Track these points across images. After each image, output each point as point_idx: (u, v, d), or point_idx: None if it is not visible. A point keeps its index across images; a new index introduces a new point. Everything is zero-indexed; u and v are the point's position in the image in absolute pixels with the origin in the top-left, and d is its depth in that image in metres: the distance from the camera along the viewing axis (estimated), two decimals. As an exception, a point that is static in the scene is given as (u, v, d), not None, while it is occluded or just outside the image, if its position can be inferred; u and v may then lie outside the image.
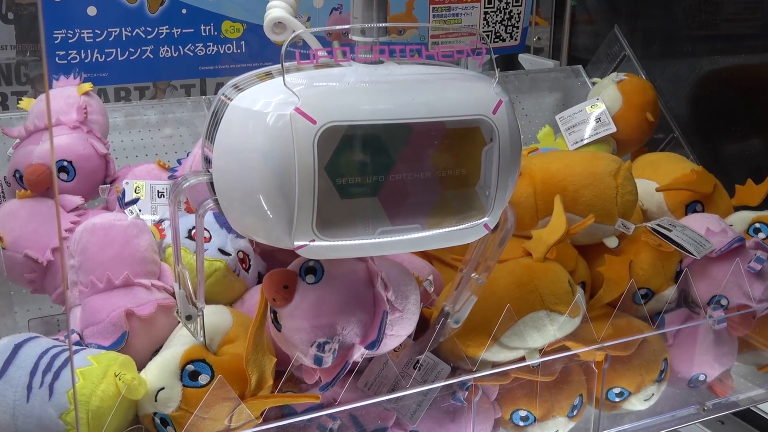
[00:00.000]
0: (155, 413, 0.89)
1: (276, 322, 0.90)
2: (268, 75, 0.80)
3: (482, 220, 0.88)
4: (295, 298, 0.88)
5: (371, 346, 0.88)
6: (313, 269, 0.93)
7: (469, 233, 0.89)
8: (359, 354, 0.89)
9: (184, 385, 0.90)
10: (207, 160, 0.83)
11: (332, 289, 0.89)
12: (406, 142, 0.83)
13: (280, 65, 0.76)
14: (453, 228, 0.88)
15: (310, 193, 0.75)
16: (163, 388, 0.89)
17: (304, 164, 0.74)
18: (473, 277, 0.98)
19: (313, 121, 0.73)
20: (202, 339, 0.94)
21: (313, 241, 0.79)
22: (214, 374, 0.90)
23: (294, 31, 0.92)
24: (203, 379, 0.90)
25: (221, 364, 0.92)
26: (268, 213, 0.76)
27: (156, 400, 0.89)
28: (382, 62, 0.83)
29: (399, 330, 0.93)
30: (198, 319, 0.92)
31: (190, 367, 0.90)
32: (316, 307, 0.88)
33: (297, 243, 0.78)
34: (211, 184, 0.82)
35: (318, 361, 0.88)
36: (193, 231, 1.03)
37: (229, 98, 0.78)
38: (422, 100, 0.80)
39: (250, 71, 0.84)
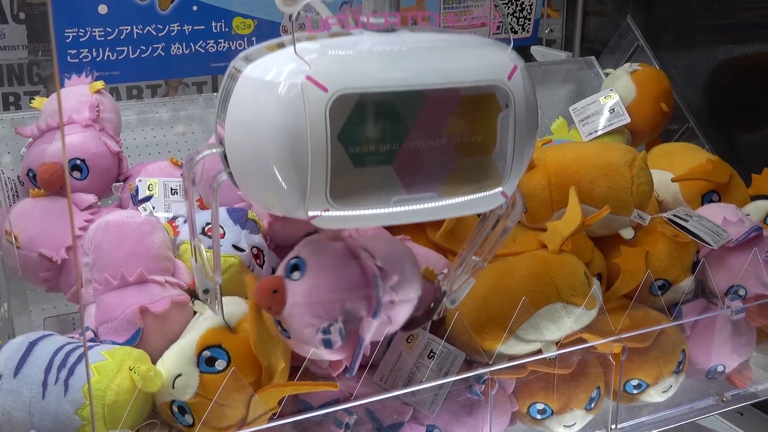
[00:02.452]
0: (173, 401, 0.90)
1: (283, 330, 0.90)
2: (280, 45, 0.80)
3: (498, 188, 0.88)
4: (288, 299, 0.88)
5: (375, 313, 0.88)
6: (297, 266, 0.93)
7: (486, 202, 0.89)
8: (370, 327, 0.89)
9: (201, 372, 0.90)
10: (220, 134, 0.83)
11: (318, 275, 0.89)
12: (420, 110, 0.83)
13: (291, 34, 0.76)
14: (469, 197, 0.87)
15: (323, 162, 0.75)
16: (180, 375, 0.89)
17: (316, 133, 0.73)
18: (473, 260, 0.98)
19: (325, 89, 0.73)
20: (220, 314, 0.94)
21: (327, 210, 0.79)
22: (231, 359, 0.91)
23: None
24: (220, 364, 0.90)
25: (238, 349, 0.92)
26: (282, 183, 0.76)
27: (173, 387, 0.89)
28: (394, 30, 0.81)
29: (406, 294, 0.92)
30: (215, 292, 0.92)
31: (207, 353, 0.91)
32: (308, 298, 0.87)
33: (311, 213, 0.78)
34: (225, 156, 0.82)
35: (328, 343, 0.88)
36: (207, 227, 1.04)
37: (239, 70, 0.78)
38: (436, 66, 0.79)
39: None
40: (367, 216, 0.83)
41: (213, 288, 0.92)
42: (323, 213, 0.79)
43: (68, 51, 1.30)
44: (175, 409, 0.90)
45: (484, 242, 0.99)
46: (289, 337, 0.90)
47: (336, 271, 0.90)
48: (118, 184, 1.18)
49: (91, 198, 1.13)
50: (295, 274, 0.91)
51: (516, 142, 0.85)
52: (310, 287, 0.89)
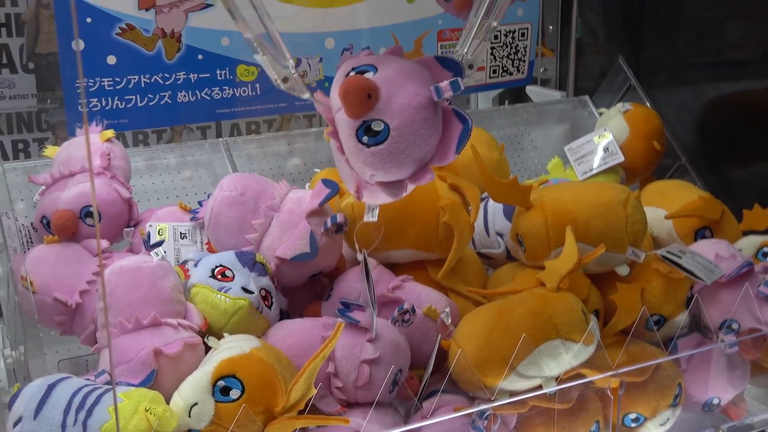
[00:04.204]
0: (189, 430, 0.91)
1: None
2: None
3: None
4: None
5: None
6: (375, 131, 0.97)
7: None
8: None
9: (216, 401, 0.91)
10: None
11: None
12: None
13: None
14: None
15: None
16: (196, 404, 0.90)
17: None
18: (487, 22, 1.04)
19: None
20: (308, 94, 1.01)
21: None
22: (245, 388, 0.91)
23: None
24: (234, 393, 0.91)
25: (251, 378, 0.92)
26: None
27: (189, 416, 0.90)
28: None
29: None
30: (294, 76, 0.98)
31: (221, 382, 0.91)
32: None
33: None
34: None
35: None
36: (216, 269, 1.07)
37: None
38: None
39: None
40: None
41: (290, 73, 0.98)
42: None
43: (77, 103, 1.32)
44: None
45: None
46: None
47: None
48: (129, 229, 1.19)
49: (103, 243, 1.14)
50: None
51: None
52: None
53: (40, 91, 1.48)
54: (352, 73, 0.99)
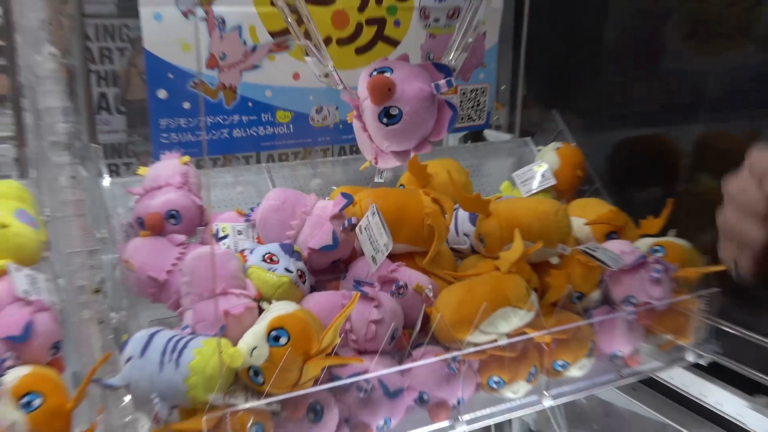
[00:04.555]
0: (250, 366, 0.93)
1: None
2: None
3: None
4: None
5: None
6: (392, 115, 1.04)
7: None
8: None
9: (270, 345, 0.93)
10: None
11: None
12: None
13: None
14: None
15: None
16: (256, 347, 0.93)
17: None
18: (463, 42, 1.12)
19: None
20: (338, 83, 1.07)
21: None
22: (291, 337, 0.94)
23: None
24: (282, 340, 0.93)
25: (295, 330, 0.95)
26: None
27: (251, 356, 0.93)
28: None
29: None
30: (333, 72, 1.06)
31: (274, 332, 0.94)
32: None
33: None
34: None
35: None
36: (266, 255, 1.09)
37: None
38: None
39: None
40: None
41: (330, 71, 1.04)
42: None
43: (161, 135, 1.34)
44: (251, 372, 0.93)
45: (466, 30, 1.11)
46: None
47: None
48: (200, 228, 1.21)
49: (182, 237, 1.16)
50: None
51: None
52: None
53: (128, 128, 1.50)
54: (374, 73, 1.06)
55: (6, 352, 0.92)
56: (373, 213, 1.12)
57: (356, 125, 1.11)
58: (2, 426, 0.84)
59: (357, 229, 1.15)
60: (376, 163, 1.12)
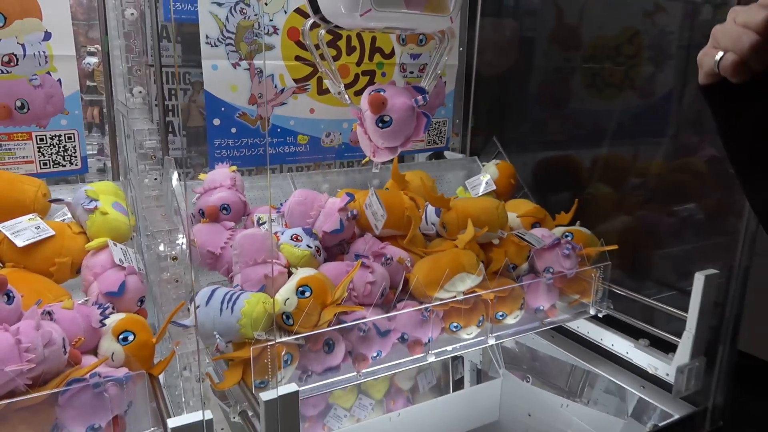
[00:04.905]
0: (283, 312, 0.95)
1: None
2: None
3: (447, 15, 0.98)
4: None
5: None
6: (385, 121, 1.05)
7: (443, 20, 0.98)
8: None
9: (298, 297, 0.95)
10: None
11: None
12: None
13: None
14: (437, 16, 0.96)
15: None
16: (288, 298, 0.95)
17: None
18: (433, 74, 1.12)
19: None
20: (347, 100, 1.08)
21: (370, 11, 0.87)
22: (313, 291, 0.96)
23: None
24: (307, 294, 0.96)
25: (316, 286, 0.97)
26: None
27: (284, 305, 0.95)
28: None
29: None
30: (343, 92, 1.07)
31: (301, 288, 0.96)
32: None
33: (362, 11, 0.86)
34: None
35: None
36: (293, 236, 1.10)
37: None
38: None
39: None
40: (386, 16, 0.89)
41: (341, 89, 1.05)
42: (369, 12, 0.87)
43: (215, 151, 1.33)
44: (284, 317, 0.96)
45: (434, 65, 1.10)
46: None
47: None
48: (244, 217, 1.22)
49: (231, 224, 1.17)
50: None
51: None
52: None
53: (188, 146, 1.45)
54: (372, 92, 1.07)
55: (107, 303, 0.94)
56: (372, 194, 1.14)
57: (359, 131, 1.13)
58: (106, 354, 0.86)
59: (364, 205, 1.15)
60: (374, 156, 1.13)
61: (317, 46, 1.07)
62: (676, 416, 1.21)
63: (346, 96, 1.11)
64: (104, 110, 1.56)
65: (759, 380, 2.02)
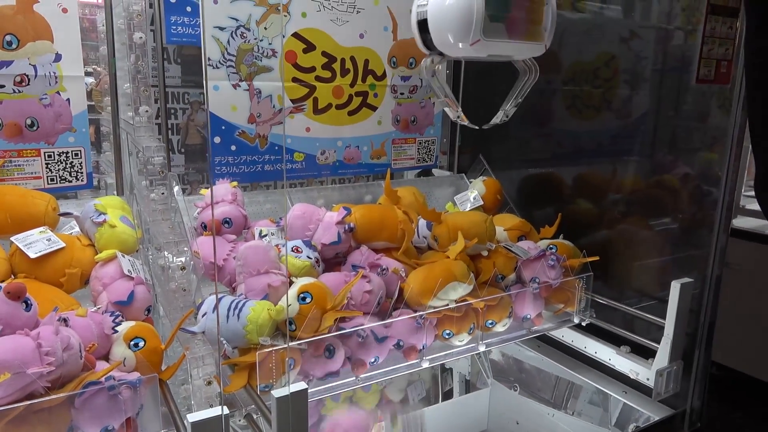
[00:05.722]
0: (286, 318, 0.97)
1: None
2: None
3: (543, 43, 1.03)
4: None
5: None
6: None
7: (538, 47, 1.04)
8: None
9: (299, 303, 0.98)
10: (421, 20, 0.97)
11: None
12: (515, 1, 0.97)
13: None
14: (533, 42, 1.01)
15: (480, 18, 0.93)
16: (290, 305, 0.97)
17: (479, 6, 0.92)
18: (512, 104, 1.16)
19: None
20: (465, 122, 1.12)
21: (479, 41, 0.93)
22: (313, 298, 0.98)
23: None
24: (308, 300, 0.98)
25: (315, 293, 0.99)
26: (462, 28, 0.92)
27: (287, 311, 0.97)
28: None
29: None
30: (461, 115, 1.11)
31: (302, 294, 0.98)
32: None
33: (472, 40, 0.93)
34: (425, 26, 0.96)
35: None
36: (293, 247, 1.12)
37: None
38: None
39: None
40: (491, 45, 0.96)
41: (460, 114, 1.11)
42: (478, 42, 0.92)
43: (216, 167, 1.36)
44: (287, 322, 0.97)
45: (518, 92, 1.13)
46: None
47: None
48: (245, 230, 1.24)
49: (233, 237, 1.20)
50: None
51: (551, 20, 1.01)
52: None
53: (186, 163, 1.47)
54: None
55: (116, 311, 0.96)
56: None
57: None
58: (118, 359, 0.89)
59: None
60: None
61: (435, 78, 1.12)
62: (657, 418, 1.25)
63: (465, 120, 1.15)
64: (101, 128, 1.61)
65: (737, 391, 2.09)
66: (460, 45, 0.95)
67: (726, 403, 2.33)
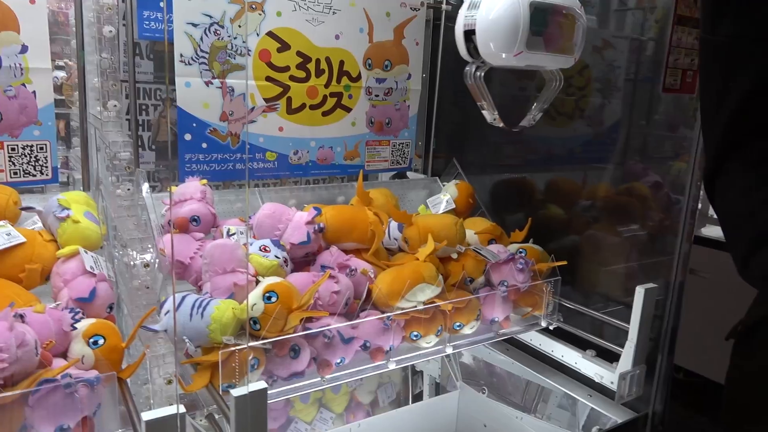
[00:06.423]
0: (251, 317, 0.96)
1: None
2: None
3: (573, 56, 1.11)
4: None
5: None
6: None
7: (567, 60, 1.12)
8: None
9: (264, 302, 0.96)
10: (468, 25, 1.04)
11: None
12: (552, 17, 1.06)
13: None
14: (564, 56, 1.10)
15: (526, 31, 1.02)
16: (255, 304, 0.96)
17: (525, 20, 1.01)
18: (539, 106, 1.23)
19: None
20: (500, 125, 1.16)
21: (521, 53, 1.02)
22: (279, 297, 0.97)
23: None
24: (273, 299, 0.97)
25: (281, 292, 0.98)
26: (508, 39, 1.01)
27: (252, 310, 0.96)
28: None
29: None
30: (497, 116, 1.15)
31: (267, 294, 0.97)
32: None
33: (516, 51, 1.02)
34: (471, 36, 1.05)
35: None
36: (261, 246, 1.11)
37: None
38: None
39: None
40: (531, 57, 1.04)
41: (496, 116, 1.15)
42: (520, 54, 1.01)
43: (186, 165, 1.35)
44: (251, 321, 0.96)
45: (545, 98, 1.20)
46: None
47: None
48: (214, 228, 1.23)
49: (201, 235, 1.19)
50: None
51: (582, 36, 1.10)
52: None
53: (156, 160, 1.45)
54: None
55: (77, 308, 0.95)
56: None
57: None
58: (77, 357, 0.87)
59: None
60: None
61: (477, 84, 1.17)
62: (620, 421, 1.27)
63: (501, 122, 1.20)
64: (71, 123, 1.58)
65: (704, 396, 2.13)
66: (504, 55, 1.03)
67: (692, 408, 2.38)
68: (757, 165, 0.72)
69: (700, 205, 1.29)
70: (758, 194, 0.72)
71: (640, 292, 1.19)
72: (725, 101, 0.72)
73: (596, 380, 1.28)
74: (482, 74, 1.16)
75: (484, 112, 1.19)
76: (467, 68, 1.15)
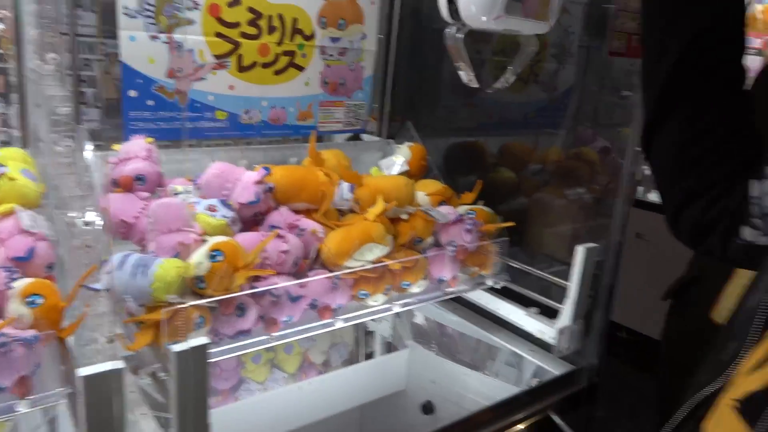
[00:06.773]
0: (196, 276, 0.96)
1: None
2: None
3: (548, 23, 1.11)
4: None
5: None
6: None
7: (545, 25, 1.12)
8: None
9: (210, 261, 0.96)
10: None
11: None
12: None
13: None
14: (541, 21, 1.10)
15: None
16: (201, 262, 0.96)
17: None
18: (511, 69, 1.23)
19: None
20: (476, 85, 1.15)
21: (501, 16, 1.03)
22: (225, 255, 0.98)
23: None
24: (219, 258, 0.97)
25: (227, 250, 0.98)
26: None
27: (197, 268, 0.96)
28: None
29: None
30: (473, 79, 1.15)
31: (213, 252, 0.97)
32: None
33: (496, 15, 1.02)
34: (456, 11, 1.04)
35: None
36: (209, 206, 1.10)
37: None
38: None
39: None
40: (509, 21, 1.06)
41: (472, 78, 1.16)
42: (500, 17, 1.02)
43: (131, 123, 1.31)
44: (197, 280, 0.96)
45: (520, 59, 1.21)
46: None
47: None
48: (160, 188, 1.21)
49: (146, 194, 1.16)
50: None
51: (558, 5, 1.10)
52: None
53: (102, 117, 1.40)
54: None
55: (14, 267, 0.93)
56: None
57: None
58: (14, 316, 0.86)
59: None
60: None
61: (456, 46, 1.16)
62: (557, 373, 1.33)
63: (477, 84, 1.20)
64: (10, 79, 1.50)
65: (646, 354, 2.23)
66: (484, 18, 1.04)
67: (633, 365, 2.49)
68: (692, 120, 0.74)
69: (648, 171, 1.33)
70: (690, 150, 0.74)
71: (580, 250, 1.23)
72: (666, 54, 0.73)
73: (538, 336, 1.33)
74: (462, 36, 1.17)
75: (461, 72, 1.21)
76: (447, 30, 1.16)
